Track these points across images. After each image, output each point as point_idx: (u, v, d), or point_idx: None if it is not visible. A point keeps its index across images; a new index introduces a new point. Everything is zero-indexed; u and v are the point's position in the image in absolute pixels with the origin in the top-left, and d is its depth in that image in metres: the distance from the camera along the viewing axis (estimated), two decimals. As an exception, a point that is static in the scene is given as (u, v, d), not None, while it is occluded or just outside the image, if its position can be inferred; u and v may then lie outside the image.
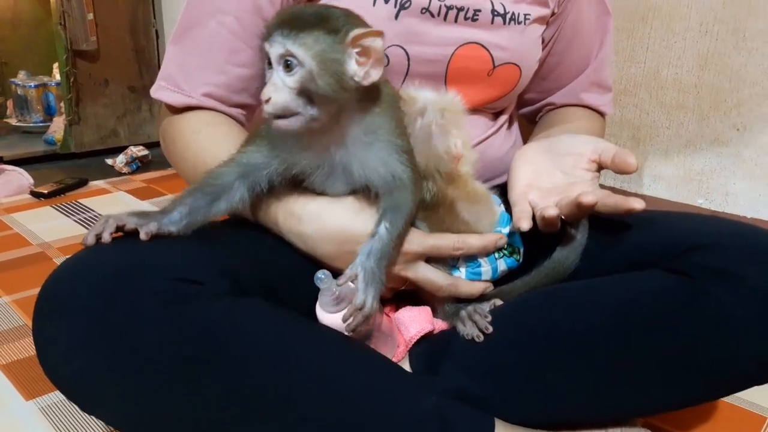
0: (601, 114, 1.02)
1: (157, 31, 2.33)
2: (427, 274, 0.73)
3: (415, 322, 0.76)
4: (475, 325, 0.72)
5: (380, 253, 0.66)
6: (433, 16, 0.80)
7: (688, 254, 0.69)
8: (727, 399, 0.95)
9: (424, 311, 0.78)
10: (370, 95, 0.65)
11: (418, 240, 0.71)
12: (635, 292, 0.69)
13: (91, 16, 2.07)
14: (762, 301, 0.65)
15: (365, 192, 0.70)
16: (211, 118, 0.81)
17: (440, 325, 0.78)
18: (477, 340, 0.70)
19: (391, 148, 0.67)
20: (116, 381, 0.60)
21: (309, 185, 0.71)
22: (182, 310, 0.59)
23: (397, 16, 0.79)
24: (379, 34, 0.60)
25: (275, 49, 0.60)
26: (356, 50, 0.60)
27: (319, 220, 0.71)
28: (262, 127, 0.69)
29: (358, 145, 0.66)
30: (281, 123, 0.61)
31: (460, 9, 0.81)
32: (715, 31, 1.18)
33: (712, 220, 0.81)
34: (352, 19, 0.62)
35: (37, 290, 0.60)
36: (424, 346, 0.75)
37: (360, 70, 0.61)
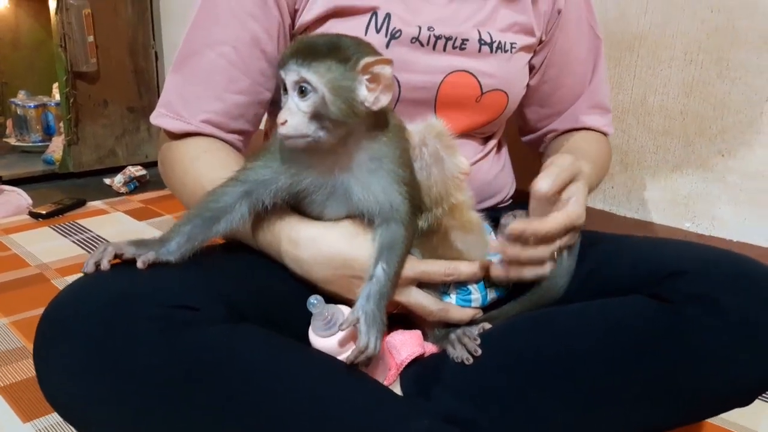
0: (604, 134, 1.05)
1: (156, 53, 2.36)
2: (418, 298, 0.75)
3: (406, 345, 0.78)
4: (464, 348, 0.74)
5: (379, 294, 0.68)
6: (422, 45, 0.84)
7: (670, 280, 0.71)
8: (712, 420, 0.97)
9: (415, 335, 0.80)
10: (378, 123, 0.69)
11: (410, 265, 0.73)
12: (618, 317, 0.71)
13: (91, 38, 2.10)
14: (740, 326, 0.67)
15: (361, 218, 0.72)
16: (209, 144, 0.83)
17: (431, 348, 0.79)
18: (467, 362, 0.72)
19: (393, 177, 0.70)
20: (114, 405, 0.62)
21: (308, 205, 0.73)
22: (179, 336, 0.62)
23: (388, 45, 0.82)
24: (389, 62, 0.64)
25: (290, 76, 0.63)
26: (366, 77, 0.64)
27: (314, 245, 0.73)
28: (271, 144, 0.72)
29: (363, 170, 0.70)
30: (291, 141, 0.65)
31: (448, 38, 0.85)
32: (699, 60, 1.22)
33: (693, 246, 0.84)
34: (363, 47, 0.66)
35: (35, 312, 0.62)
36: (415, 370, 0.76)
37: (370, 96, 0.65)
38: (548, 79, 0.99)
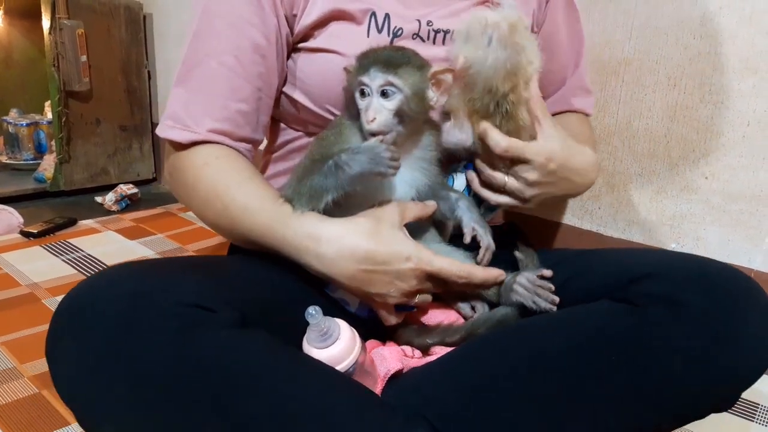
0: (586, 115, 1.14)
1: (149, 72, 2.38)
2: (443, 265, 0.79)
3: (386, 360, 0.80)
4: (541, 298, 0.81)
5: (473, 206, 0.85)
6: (423, 40, 0.89)
7: (634, 283, 0.73)
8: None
9: (395, 350, 0.83)
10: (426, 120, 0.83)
11: (428, 259, 0.78)
12: (584, 320, 0.74)
13: (84, 58, 2.12)
14: (703, 325, 0.68)
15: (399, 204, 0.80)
16: (219, 151, 0.85)
17: (410, 363, 0.81)
18: (551, 311, 0.80)
19: (434, 158, 0.84)
20: (124, 399, 0.62)
21: (358, 194, 0.77)
22: (192, 336, 0.63)
23: (391, 43, 0.87)
24: (451, 71, 0.78)
25: (376, 80, 0.75)
26: (432, 81, 0.78)
27: (338, 241, 0.75)
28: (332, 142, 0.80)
29: (416, 156, 0.83)
30: (380, 137, 0.75)
31: (446, 32, 0.90)
32: (683, 85, 1.25)
33: (658, 252, 0.88)
34: (422, 58, 0.79)
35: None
36: (395, 383, 0.78)
37: (435, 96, 0.78)
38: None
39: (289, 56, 0.90)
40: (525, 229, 1.12)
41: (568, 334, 0.73)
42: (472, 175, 0.88)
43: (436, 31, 0.89)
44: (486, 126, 0.82)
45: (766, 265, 1.21)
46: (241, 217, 0.80)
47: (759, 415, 1.06)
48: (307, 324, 0.71)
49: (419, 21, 0.88)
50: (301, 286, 0.82)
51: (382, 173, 0.72)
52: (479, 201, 0.89)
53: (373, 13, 0.85)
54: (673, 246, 1.32)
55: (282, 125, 0.99)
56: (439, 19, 0.89)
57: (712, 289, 0.70)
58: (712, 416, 1.03)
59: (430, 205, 0.83)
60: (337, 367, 0.71)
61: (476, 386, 0.73)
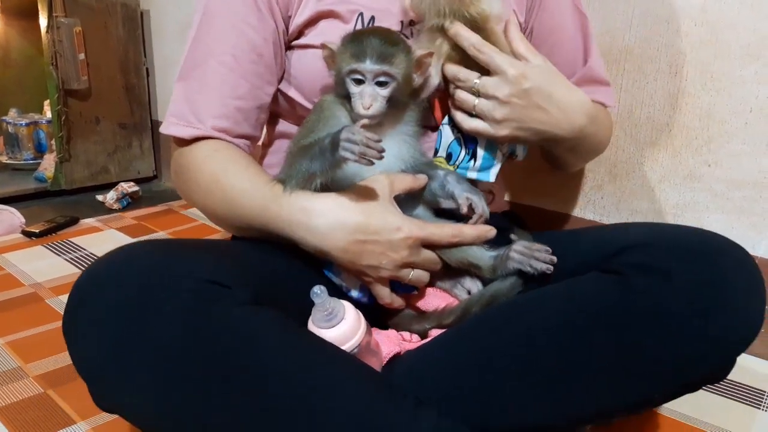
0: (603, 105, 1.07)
1: (147, 69, 2.37)
2: (431, 229, 0.80)
3: (385, 344, 0.81)
4: (538, 261, 0.81)
5: (462, 178, 0.86)
6: (407, 37, 0.89)
7: (620, 255, 0.73)
8: (672, 415, 0.98)
9: (393, 335, 0.84)
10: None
11: (419, 225, 0.80)
12: (573, 294, 0.74)
13: (82, 56, 2.11)
14: (691, 294, 0.68)
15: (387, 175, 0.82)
16: (219, 144, 0.89)
17: (407, 346, 0.82)
18: (548, 272, 0.80)
19: (417, 132, 0.88)
20: (139, 371, 0.64)
21: (346, 171, 0.79)
22: (208, 311, 0.64)
23: None
24: (431, 54, 0.82)
25: (371, 69, 0.78)
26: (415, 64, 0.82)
27: (331, 213, 0.78)
28: (318, 122, 0.84)
29: (401, 132, 0.86)
30: (365, 120, 0.78)
31: None
32: (684, 72, 1.24)
33: (647, 224, 0.88)
34: (405, 41, 0.83)
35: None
36: (391, 366, 0.79)
37: (417, 78, 0.83)
38: None
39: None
40: (525, 219, 1.12)
41: (558, 308, 0.73)
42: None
43: (419, 31, 0.90)
44: (457, 26, 0.82)
45: (770, 252, 1.21)
46: (239, 201, 0.84)
47: (765, 403, 1.06)
48: (311, 306, 0.72)
49: (402, 22, 0.90)
50: (305, 271, 0.84)
51: (367, 157, 0.74)
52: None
53: (361, 14, 0.88)
54: (676, 235, 1.32)
55: (280, 120, 1.01)
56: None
57: (700, 258, 0.70)
58: (719, 403, 1.04)
59: (421, 178, 0.85)
60: (343, 347, 0.72)
61: (471, 365, 0.74)
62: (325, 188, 0.80)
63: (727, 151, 1.22)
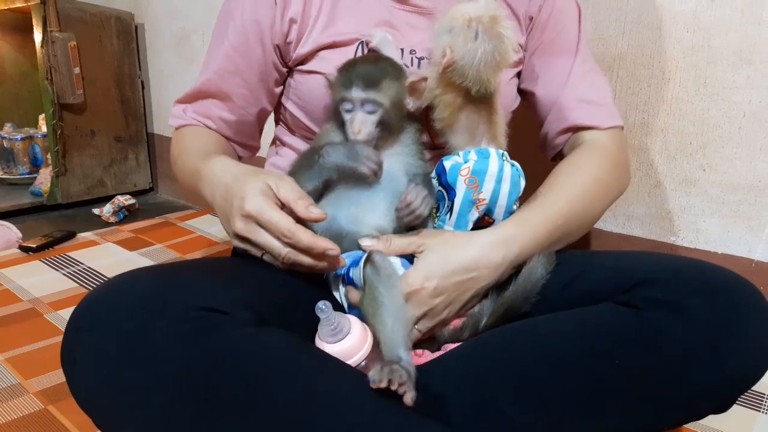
0: (603, 129, 0.99)
1: (142, 82, 2.38)
2: (268, 214, 0.76)
3: None
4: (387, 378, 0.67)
5: (427, 181, 0.88)
6: (407, 66, 0.92)
7: (636, 288, 0.74)
8: (691, 426, 0.99)
9: None
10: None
11: (261, 206, 0.76)
12: (589, 322, 0.74)
13: (77, 70, 2.11)
14: (703, 328, 0.69)
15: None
16: (197, 128, 1.03)
17: (417, 362, 0.81)
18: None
19: (416, 151, 0.90)
20: (140, 399, 0.63)
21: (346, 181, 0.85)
22: (208, 336, 0.64)
23: None
24: (426, 79, 0.85)
25: (359, 96, 0.82)
26: (408, 89, 0.85)
27: (213, 175, 0.85)
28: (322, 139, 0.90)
29: (399, 150, 0.89)
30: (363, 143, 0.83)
31: (429, 59, 0.91)
32: (677, 78, 1.25)
33: (659, 256, 0.88)
34: (399, 66, 0.87)
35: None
36: None
37: (411, 102, 0.86)
38: (531, 76, 1.03)
39: (285, 80, 1.02)
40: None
41: (573, 338, 0.73)
42: None
43: (420, 59, 0.94)
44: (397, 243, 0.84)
45: (766, 254, 1.22)
46: (189, 162, 0.94)
47: (765, 406, 1.06)
48: (317, 322, 0.72)
49: (402, 50, 0.93)
50: (307, 285, 0.83)
51: (358, 169, 0.80)
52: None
53: (362, 42, 0.93)
54: (672, 239, 1.33)
55: (288, 133, 1.07)
56: (423, 49, 0.93)
57: (714, 295, 0.71)
58: (719, 408, 1.03)
59: (306, 202, 0.78)
60: (349, 362, 0.72)
61: (482, 388, 0.73)
62: (326, 190, 0.85)
63: (721, 156, 1.23)
